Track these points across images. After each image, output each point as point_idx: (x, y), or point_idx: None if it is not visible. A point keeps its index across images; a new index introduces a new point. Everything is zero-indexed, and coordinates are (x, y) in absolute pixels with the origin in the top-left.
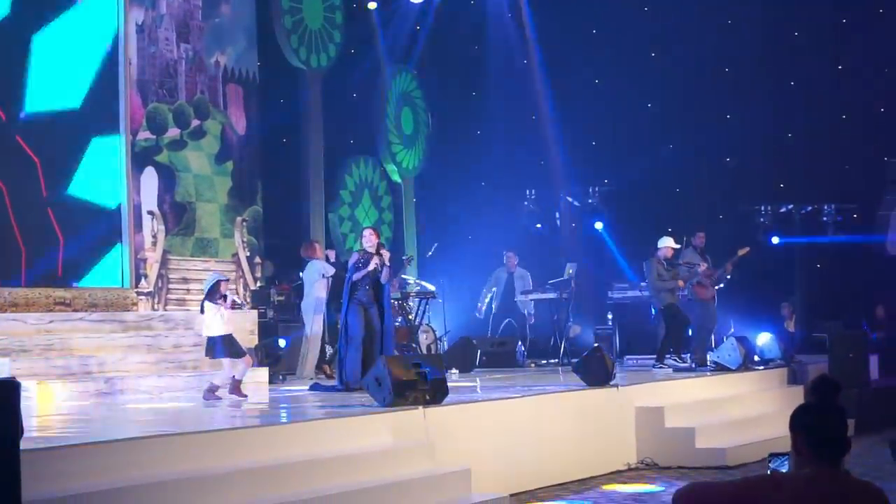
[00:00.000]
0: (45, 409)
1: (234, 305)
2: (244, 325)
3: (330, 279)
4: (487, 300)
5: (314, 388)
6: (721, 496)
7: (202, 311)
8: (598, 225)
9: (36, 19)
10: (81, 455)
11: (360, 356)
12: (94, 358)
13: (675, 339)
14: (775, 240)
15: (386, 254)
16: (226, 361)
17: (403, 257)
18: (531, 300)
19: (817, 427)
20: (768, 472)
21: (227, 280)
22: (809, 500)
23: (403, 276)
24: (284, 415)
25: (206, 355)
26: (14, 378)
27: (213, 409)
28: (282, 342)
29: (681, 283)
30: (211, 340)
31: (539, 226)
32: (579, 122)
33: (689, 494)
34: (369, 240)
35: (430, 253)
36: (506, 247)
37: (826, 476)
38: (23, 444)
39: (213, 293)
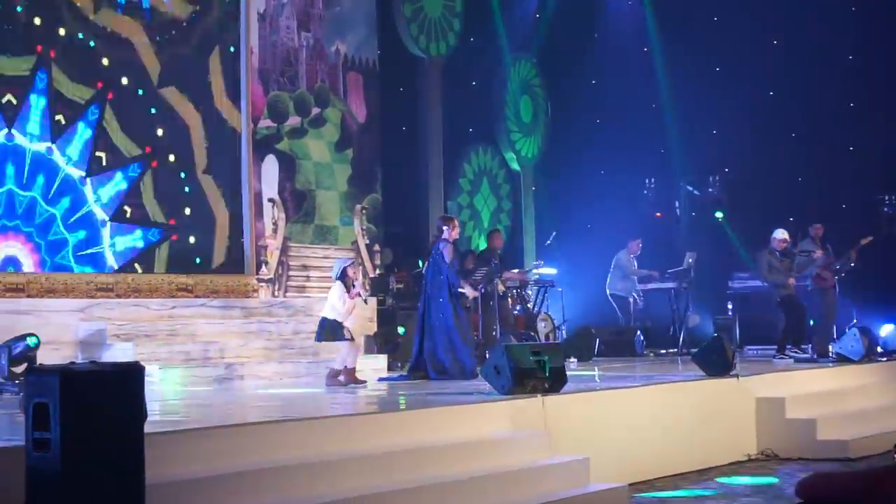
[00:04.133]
0: (168, 394)
1: (358, 293)
2: (363, 313)
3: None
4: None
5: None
6: (846, 487)
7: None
8: (719, 214)
9: None
10: (203, 439)
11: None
12: (215, 343)
13: (794, 330)
14: None
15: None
16: (343, 344)
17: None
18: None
19: None
20: (893, 462)
21: (353, 263)
22: None
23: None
24: (402, 402)
25: (317, 339)
26: (137, 362)
27: (331, 395)
28: (401, 329)
29: (791, 280)
30: (325, 322)
31: (659, 214)
32: (700, 110)
33: (813, 485)
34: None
35: (548, 241)
36: (626, 235)
37: None
38: (146, 428)
39: (343, 278)
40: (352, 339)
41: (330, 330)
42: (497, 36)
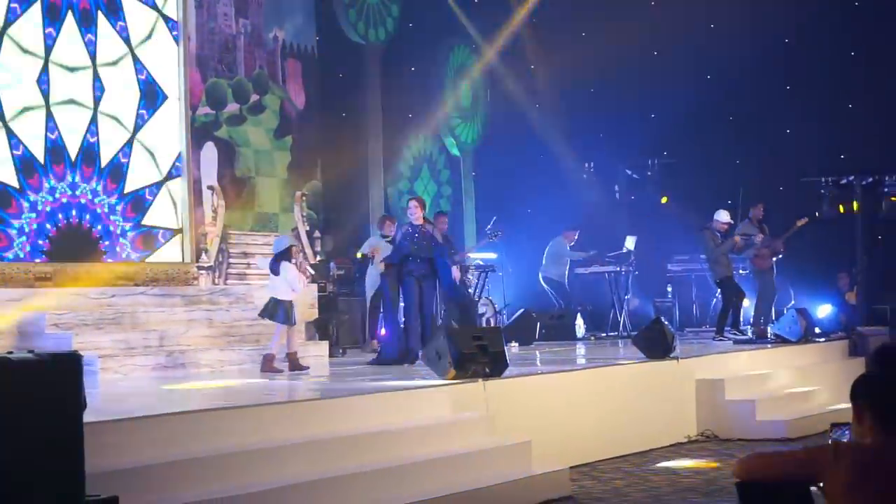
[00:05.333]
0: (108, 383)
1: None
2: (304, 300)
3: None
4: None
5: (374, 361)
6: (783, 465)
7: (276, 272)
8: (664, 199)
9: None
10: (144, 428)
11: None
12: (155, 332)
13: (733, 312)
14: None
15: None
16: (278, 327)
17: (488, 230)
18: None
19: (879, 395)
20: (829, 442)
21: (297, 247)
22: (871, 468)
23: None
24: (344, 388)
25: (267, 316)
26: (76, 352)
27: (273, 382)
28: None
29: (737, 238)
30: (275, 302)
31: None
32: (638, 94)
33: (751, 464)
34: (414, 212)
35: (489, 227)
36: (567, 219)
37: (888, 445)
38: (85, 418)
39: (286, 256)
40: (294, 323)
41: (281, 310)
42: (435, 21)
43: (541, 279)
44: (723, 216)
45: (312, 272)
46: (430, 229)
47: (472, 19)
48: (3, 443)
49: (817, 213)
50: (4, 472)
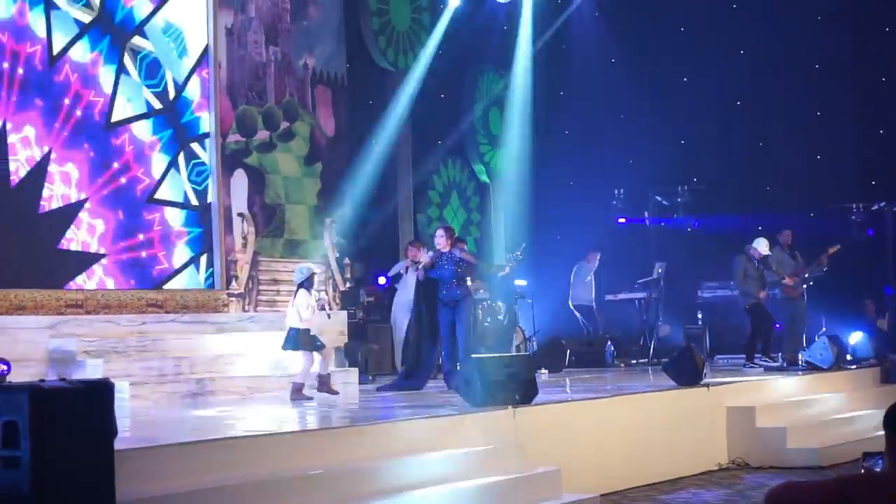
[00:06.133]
0: (139, 410)
1: (322, 307)
2: (334, 327)
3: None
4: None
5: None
6: (815, 495)
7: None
8: (695, 224)
9: None
10: (174, 455)
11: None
12: (185, 359)
13: (763, 339)
14: None
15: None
16: (304, 355)
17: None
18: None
19: None
20: (862, 471)
21: (317, 274)
22: None
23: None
24: (374, 415)
25: (284, 347)
26: (107, 379)
27: (303, 409)
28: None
29: (762, 294)
30: (293, 331)
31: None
32: (668, 120)
33: (782, 493)
34: (439, 241)
35: (518, 253)
36: (595, 246)
37: None
38: (116, 445)
39: (309, 284)
40: (323, 347)
41: (302, 339)
42: (465, 49)
43: (571, 307)
44: (762, 246)
45: (328, 309)
46: (455, 253)
47: (502, 46)
48: (35, 471)
49: (850, 239)
50: (37, 501)
